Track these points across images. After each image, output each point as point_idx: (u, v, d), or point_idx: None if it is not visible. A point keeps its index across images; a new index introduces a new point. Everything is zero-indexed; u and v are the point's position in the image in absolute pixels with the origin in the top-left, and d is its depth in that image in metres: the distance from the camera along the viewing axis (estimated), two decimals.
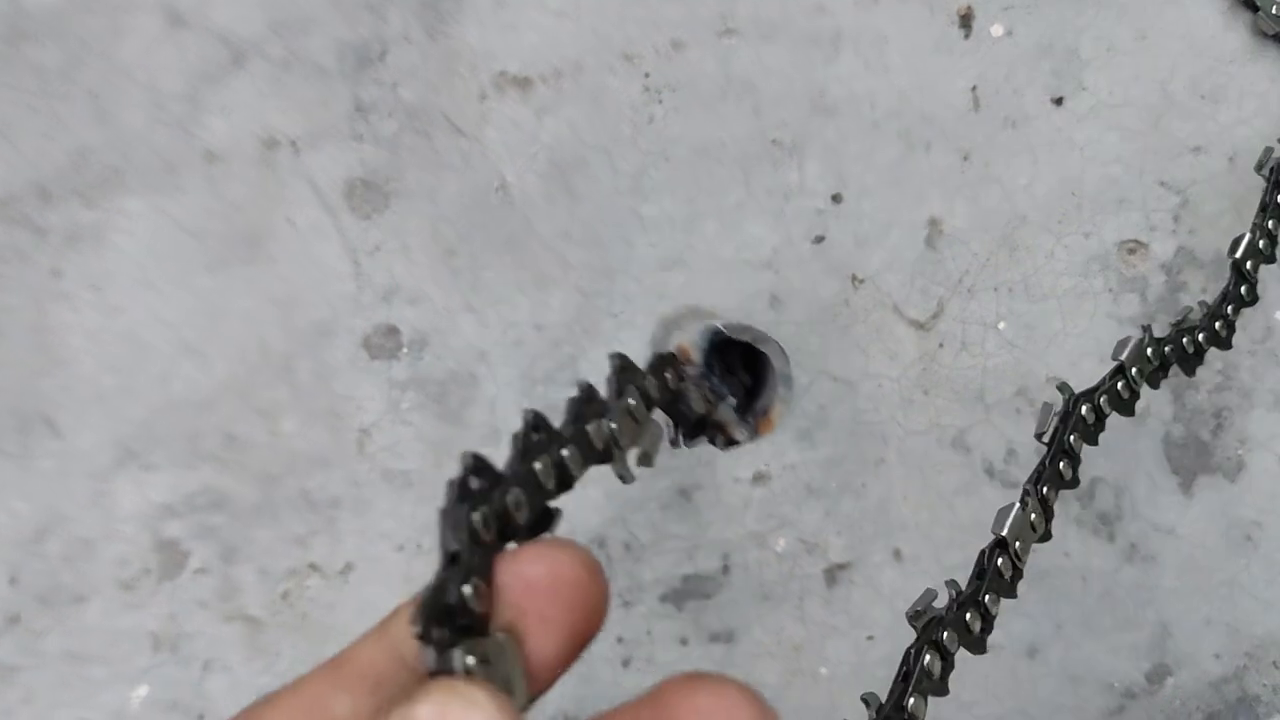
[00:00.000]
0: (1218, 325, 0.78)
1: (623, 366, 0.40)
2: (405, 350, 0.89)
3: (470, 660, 0.23)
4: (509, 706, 0.22)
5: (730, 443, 0.49)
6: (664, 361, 0.44)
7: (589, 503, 0.88)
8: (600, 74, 0.92)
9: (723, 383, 0.53)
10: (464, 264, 0.91)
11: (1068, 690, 0.89)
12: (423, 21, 0.91)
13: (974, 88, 0.92)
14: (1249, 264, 0.83)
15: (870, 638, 0.89)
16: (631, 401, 0.38)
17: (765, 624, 0.89)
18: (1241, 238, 0.82)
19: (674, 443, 0.47)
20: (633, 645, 0.88)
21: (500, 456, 0.32)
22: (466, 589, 0.24)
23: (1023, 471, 0.91)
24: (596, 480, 0.89)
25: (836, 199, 0.92)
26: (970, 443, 0.91)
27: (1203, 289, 0.91)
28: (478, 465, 0.26)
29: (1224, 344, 0.79)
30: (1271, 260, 0.85)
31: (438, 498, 0.29)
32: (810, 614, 0.89)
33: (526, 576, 0.25)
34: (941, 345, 0.91)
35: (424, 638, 0.23)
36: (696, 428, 0.50)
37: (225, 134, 0.89)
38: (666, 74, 0.92)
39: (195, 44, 0.89)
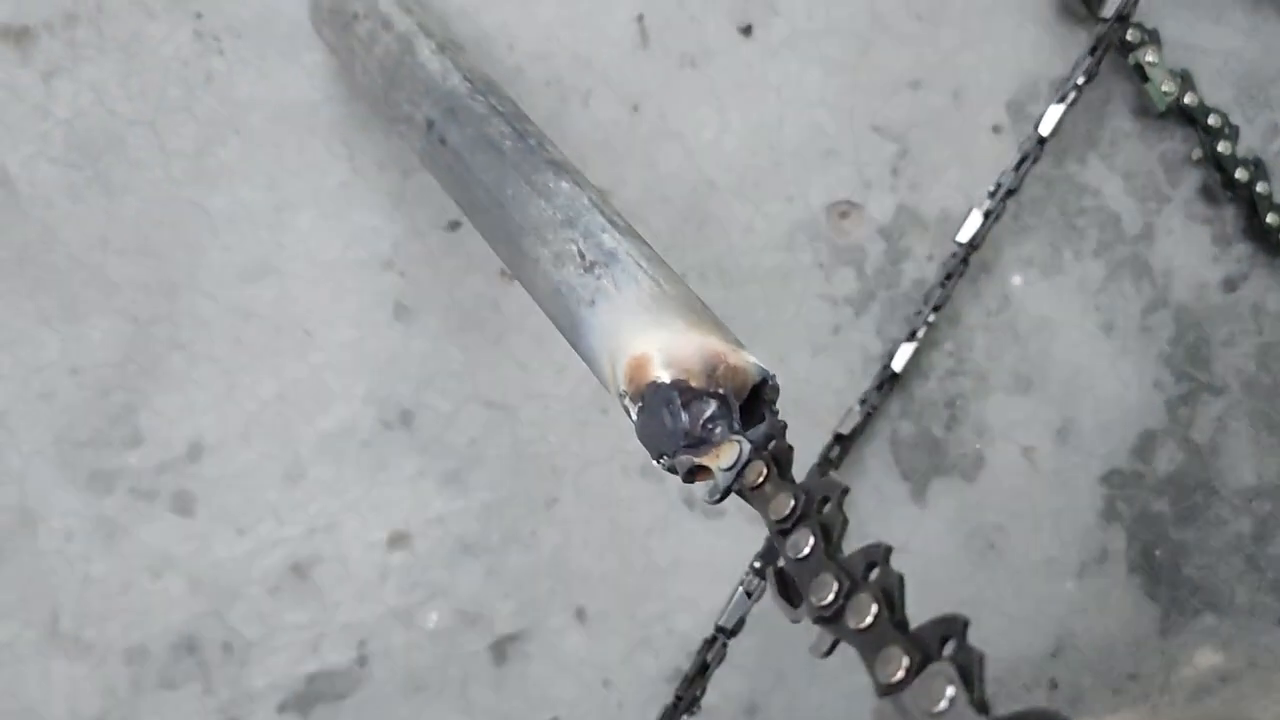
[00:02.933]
0: None
1: None
2: None
3: None
4: None
5: None
6: None
7: (167, 597, 0.67)
8: (132, 15, 0.68)
9: None
10: None
11: None
12: None
13: (640, 17, 0.72)
14: None
15: None
16: None
17: None
18: None
19: None
20: None
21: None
22: None
23: (728, 500, 0.74)
24: (175, 565, 0.67)
25: None
26: (660, 469, 0.73)
27: (929, 255, 0.75)
28: None
29: None
30: None
31: None
32: (477, 701, 0.71)
33: None
34: None
35: None
36: None
37: None
38: (227, 12, 0.69)
39: None
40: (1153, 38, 0.80)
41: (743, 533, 0.77)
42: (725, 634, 0.73)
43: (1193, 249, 0.82)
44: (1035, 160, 0.78)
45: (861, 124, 0.78)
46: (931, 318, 0.77)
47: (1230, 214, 0.83)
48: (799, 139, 0.77)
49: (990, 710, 0.33)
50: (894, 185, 0.78)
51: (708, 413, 0.47)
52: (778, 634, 0.78)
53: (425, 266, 0.73)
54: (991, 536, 0.81)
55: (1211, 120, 0.82)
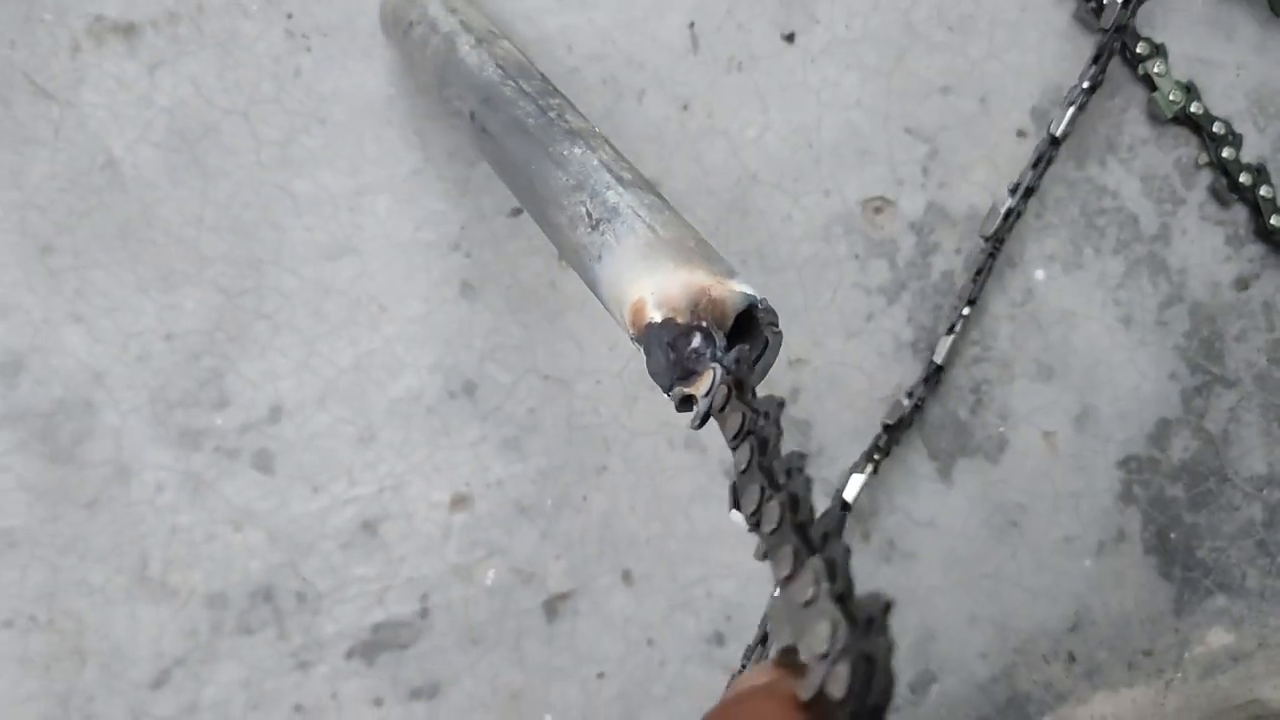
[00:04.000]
0: None
1: None
2: None
3: None
4: None
5: None
6: None
7: (247, 548, 0.72)
8: (229, 15, 0.74)
9: None
10: (65, 263, 0.73)
11: None
12: None
13: (692, 24, 0.78)
14: None
15: (601, 675, 0.77)
16: None
17: (476, 672, 0.76)
18: None
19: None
20: (315, 714, 0.74)
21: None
22: None
23: None
24: (255, 519, 0.73)
25: None
26: (705, 442, 0.79)
27: (956, 249, 0.80)
28: None
29: None
30: None
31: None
32: (529, 655, 0.76)
33: None
34: None
35: None
36: None
37: None
38: (315, 13, 0.75)
39: None
40: (1160, 51, 0.86)
41: None
42: None
43: (1207, 249, 0.87)
44: (1050, 160, 0.83)
45: (895, 126, 0.84)
46: (966, 310, 0.82)
47: (1242, 217, 0.88)
48: (836, 138, 0.83)
49: (848, 599, 0.33)
50: (924, 183, 0.84)
51: (692, 344, 0.49)
52: None
53: (489, 248, 0.79)
54: (1013, 515, 0.85)
55: (1216, 128, 0.88)
